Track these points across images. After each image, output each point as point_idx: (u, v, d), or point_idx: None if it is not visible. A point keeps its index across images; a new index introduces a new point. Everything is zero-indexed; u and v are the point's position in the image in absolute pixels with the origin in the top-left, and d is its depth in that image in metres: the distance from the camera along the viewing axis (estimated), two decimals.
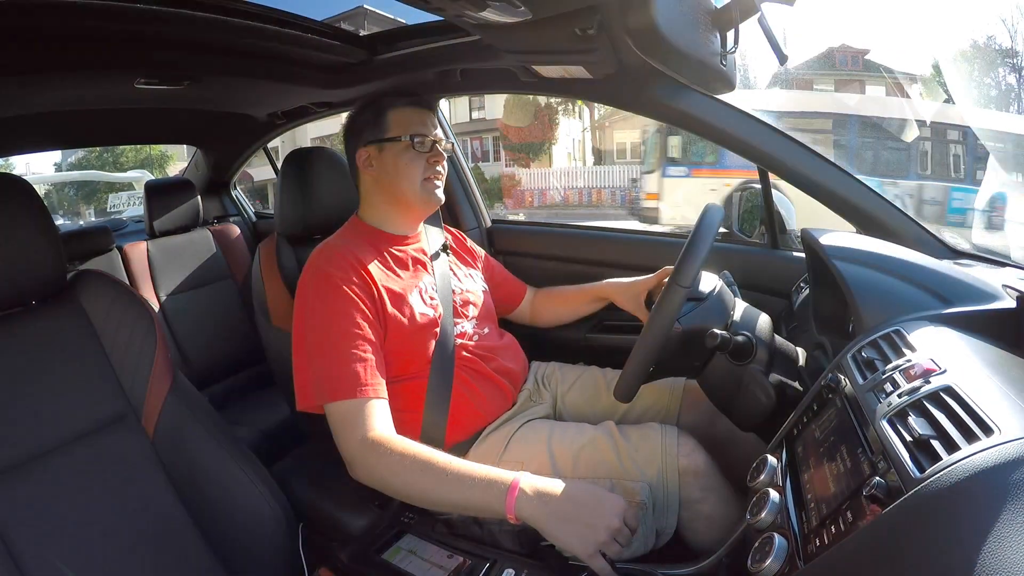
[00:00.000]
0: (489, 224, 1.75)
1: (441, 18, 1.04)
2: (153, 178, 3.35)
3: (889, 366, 0.60)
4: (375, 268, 0.95)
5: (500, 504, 0.72)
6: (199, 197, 2.09)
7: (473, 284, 1.14)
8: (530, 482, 0.72)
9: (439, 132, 1.05)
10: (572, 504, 0.70)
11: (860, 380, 0.61)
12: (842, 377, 0.65)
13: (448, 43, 1.13)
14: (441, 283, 1.05)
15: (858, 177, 1.06)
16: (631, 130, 13.94)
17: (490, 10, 0.75)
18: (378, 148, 1.01)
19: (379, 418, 0.84)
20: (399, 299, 0.95)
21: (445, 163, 1.05)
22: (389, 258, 1.00)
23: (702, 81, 0.95)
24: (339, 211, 1.12)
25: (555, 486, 0.72)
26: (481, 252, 1.27)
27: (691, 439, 0.90)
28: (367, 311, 0.90)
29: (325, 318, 0.88)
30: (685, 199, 6.24)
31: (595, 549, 0.67)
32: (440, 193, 1.03)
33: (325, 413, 0.85)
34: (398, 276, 0.99)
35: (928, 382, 0.53)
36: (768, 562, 0.52)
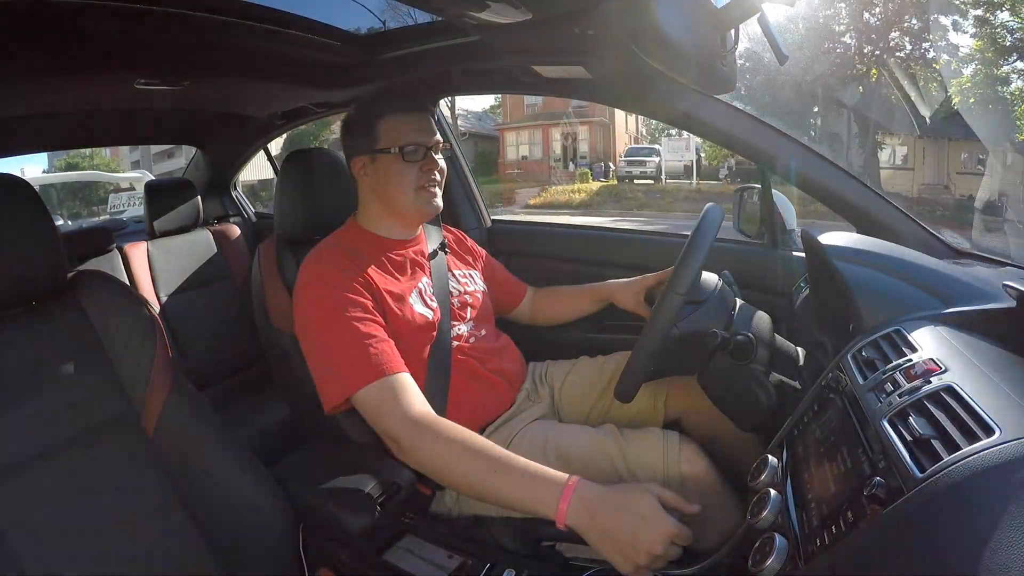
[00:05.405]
0: (489, 224, 1.76)
1: (441, 18, 1.04)
2: (153, 178, 3.35)
3: (889, 366, 0.60)
4: (373, 272, 0.94)
5: (550, 507, 0.69)
6: (199, 197, 2.09)
7: (472, 285, 1.13)
8: (583, 489, 0.69)
9: (435, 136, 1.00)
10: (616, 521, 0.66)
11: (860, 380, 0.61)
12: (842, 377, 0.65)
13: (448, 43, 1.13)
14: (438, 284, 1.04)
15: (858, 177, 1.06)
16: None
17: (490, 11, 0.75)
18: (371, 158, 0.98)
19: (413, 394, 0.83)
20: (399, 300, 0.94)
21: (444, 168, 1.01)
22: (387, 263, 0.99)
23: (703, 81, 0.95)
24: (339, 212, 1.11)
25: (605, 496, 0.68)
26: (481, 252, 1.26)
27: (692, 444, 0.90)
28: (368, 304, 0.89)
29: (329, 313, 0.87)
30: None
31: (634, 569, 0.65)
32: (437, 201, 1.00)
33: (355, 406, 0.84)
34: (397, 279, 0.98)
35: (928, 382, 0.53)
36: (769, 562, 0.52)
